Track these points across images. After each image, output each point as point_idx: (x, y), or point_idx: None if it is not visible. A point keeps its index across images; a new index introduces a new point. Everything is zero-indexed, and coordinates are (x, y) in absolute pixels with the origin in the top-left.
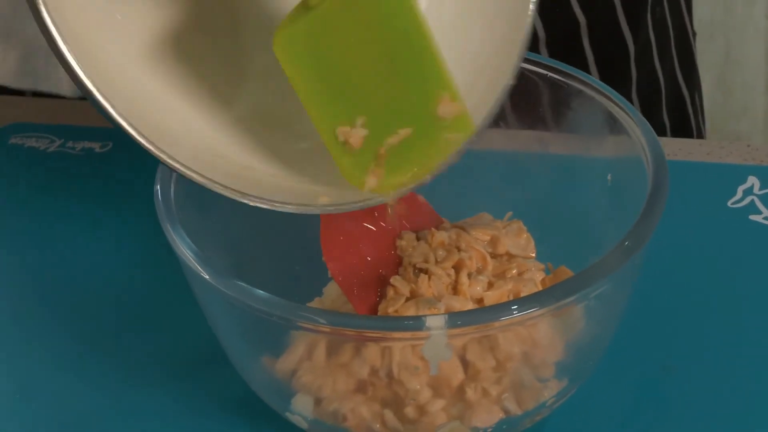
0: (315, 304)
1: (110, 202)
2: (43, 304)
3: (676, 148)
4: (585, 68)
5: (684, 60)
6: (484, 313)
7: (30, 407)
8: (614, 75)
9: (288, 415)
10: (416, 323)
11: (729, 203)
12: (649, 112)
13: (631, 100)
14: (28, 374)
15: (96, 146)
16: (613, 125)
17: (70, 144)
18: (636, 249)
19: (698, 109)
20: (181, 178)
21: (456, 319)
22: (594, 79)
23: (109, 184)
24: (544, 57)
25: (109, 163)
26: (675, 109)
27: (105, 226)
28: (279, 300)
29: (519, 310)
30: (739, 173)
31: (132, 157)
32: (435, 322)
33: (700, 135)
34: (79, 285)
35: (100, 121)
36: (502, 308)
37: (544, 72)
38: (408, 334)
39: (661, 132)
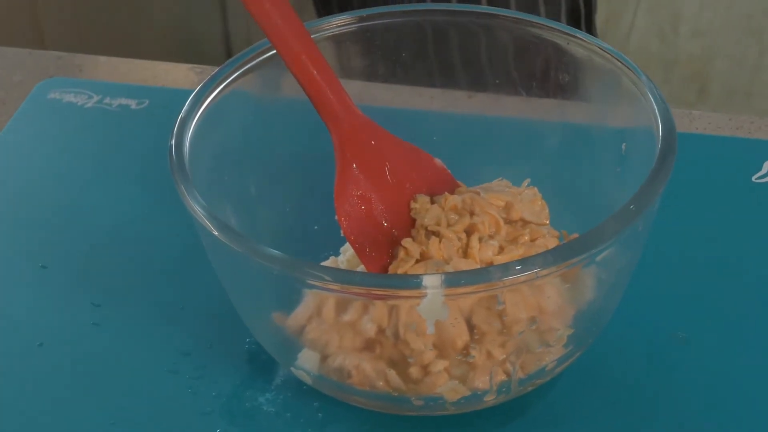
0: (330, 263)
1: (144, 158)
2: (71, 257)
3: (705, 122)
4: None
5: None
6: (480, 273)
7: (46, 355)
8: None
9: (293, 369)
10: (413, 282)
11: (753, 178)
12: None
13: None
14: (45, 323)
15: (132, 103)
16: (627, 94)
17: (107, 100)
18: (639, 213)
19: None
20: (197, 135)
21: (452, 278)
22: (611, 48)
23: (143, 141)
24: (563, 25)
25: (144, 120)
26: None
27: (138, 181)
28: (283, 256)
29: (516, 272)
30: (766, 149)
31: (167, 115)
32: (432, 281)
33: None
34: (105, 237)
35: (138, 78)
36: (498, 269)
37: (564, 41)
38: (405, 292)
39: None
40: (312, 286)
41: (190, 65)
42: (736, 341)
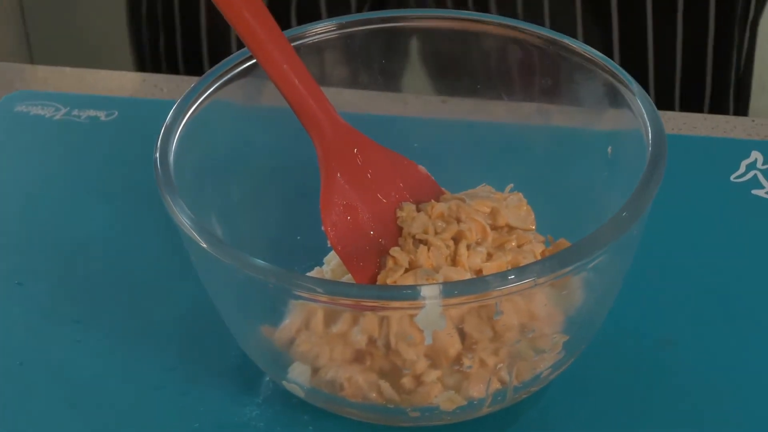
0: (315, 273)
1: (115, 170)
2: (48, 273)
3: (680, 122)
4: None
5: None
6: (477, 283)
7: (27, 374)
8: None
9: (285, 383)
10: (411, 293)
11: (732, 178)
12: None
13: None
14: (25, 342)
15: (101, 114)
16: (614, 98)
17: (75, 112)
18: (633, 220)
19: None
20: (180, 146)
21: (450, 288)
22: (595, 51)
23: (113, 153)
24: (547, 29)
25: (115, 131)
26: None
27: (109, 194)
28: (276, 268)
29: (513, 281)
30: (743, 148)
31: (137, 126)
32: (430, 291)
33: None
34: (81, 251)
35: (106, 89)
36: (495, 278)
37: (546, 44)
38: (403, 304)
39: None
40: (303, 298)
41: (158, 75)
42: (723, 341)
